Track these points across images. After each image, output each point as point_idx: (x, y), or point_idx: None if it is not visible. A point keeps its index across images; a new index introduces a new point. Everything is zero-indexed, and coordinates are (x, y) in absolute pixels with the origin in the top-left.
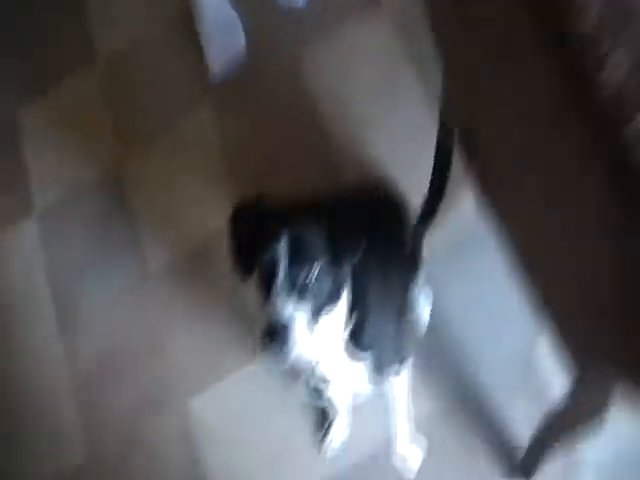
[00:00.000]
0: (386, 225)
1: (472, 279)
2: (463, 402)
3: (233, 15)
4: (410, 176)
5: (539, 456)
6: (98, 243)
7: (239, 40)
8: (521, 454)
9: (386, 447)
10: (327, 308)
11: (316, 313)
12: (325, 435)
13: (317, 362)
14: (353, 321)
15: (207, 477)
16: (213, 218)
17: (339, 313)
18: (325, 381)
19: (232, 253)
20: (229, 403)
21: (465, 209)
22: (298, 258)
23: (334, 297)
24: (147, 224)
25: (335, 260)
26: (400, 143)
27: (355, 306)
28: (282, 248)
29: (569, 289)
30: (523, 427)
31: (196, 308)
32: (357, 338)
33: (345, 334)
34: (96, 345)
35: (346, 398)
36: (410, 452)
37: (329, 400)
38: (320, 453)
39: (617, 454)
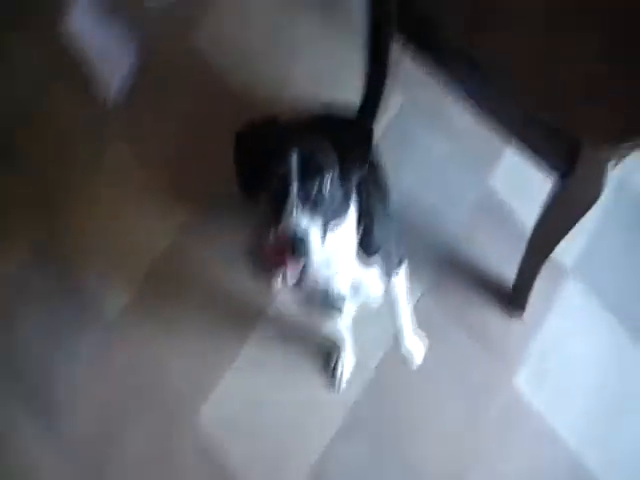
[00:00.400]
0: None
1: (415, 160)
2: (447, 272)
3: (113, 34)
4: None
5: (529, 281)
6: (53, 323)
7: (127, 54)
8: (512, 288)
9: (388, 353)
10: (339, 219)
11: (329, 225)
12: (335, 370)
13: (334, 274)
14: (361, 229)
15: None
16: (153, 239)
17: (350, 223)
18: (341, 295)
19: (238, 177)
20: (236, 396)
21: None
22: (309, 173)
23: (344, 208)
24: (94, 277)
25: (343, 173)
26: (320, 64)
27: (360, 214)
28: (294, 163)
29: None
30: (507, 267)
31: (171, 327)
32: (366, 244)
33: (356, 242)
34: (87, 421)
35: (350, 318)
36: (415, 343)
37: (340, 324)
38: (336, 389)
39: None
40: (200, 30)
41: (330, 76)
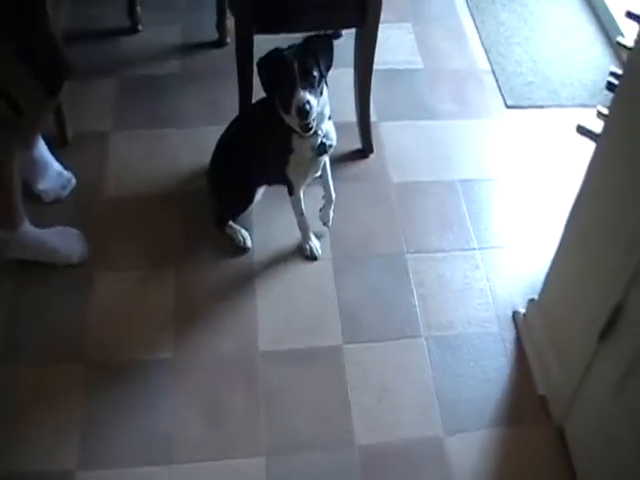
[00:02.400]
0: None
1: None
2: None
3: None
4: None
5: (366, 123)
6: None
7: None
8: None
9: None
10: (320, 93)
11: (317, 97)
12: (311, 250)
13: (323, 123)
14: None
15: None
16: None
17: (324, 95)
18: (328, 137)
19: (263, 83)
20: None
21: None
22: (304, 72)
23: (322, 88)
24: None
25: (320, 69)
26: None
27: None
28: (295, 67)
29: None
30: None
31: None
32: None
33: (329, 109)
34: None
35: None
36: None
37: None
38: (318, 256)
39: None
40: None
41: None
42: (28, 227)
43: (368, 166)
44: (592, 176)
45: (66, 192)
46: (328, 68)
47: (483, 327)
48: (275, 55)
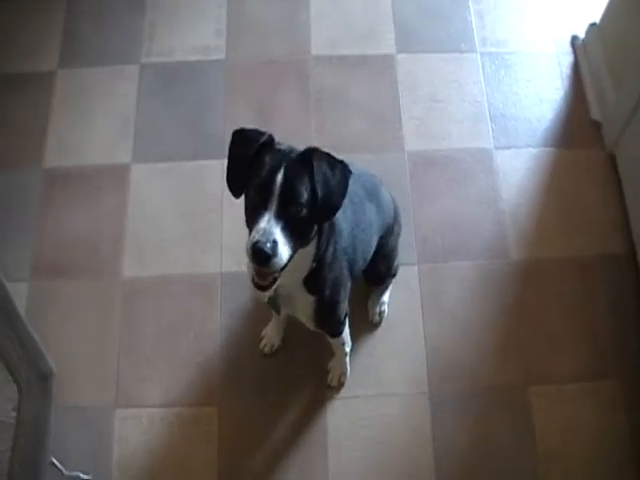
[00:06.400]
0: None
1: None
2: None
3: None
4: None
5: None
6: None
7: None
8: None
9: None
10: (300, 244)
11: (292, 244)
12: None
13: (283, 284)
14: (314, 266)
15: None
16: None
17: (308, 252)
18: (285, 300)
19: (227, 171)
20: None
21: None
22: (288, 196)
23: (307, 238)
24: None
25: (316, 211)
26: None
27: (319, 256)
28: (279, 180)
29: None
30: None
31: None
32: (312, 279)
33: (306, 271)
34: None
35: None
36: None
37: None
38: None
39: None
40: None
41: None
42: None
43: None
44: None
45: None
46: (331, 211)
47: (540, 48)
48: (265, 139)
